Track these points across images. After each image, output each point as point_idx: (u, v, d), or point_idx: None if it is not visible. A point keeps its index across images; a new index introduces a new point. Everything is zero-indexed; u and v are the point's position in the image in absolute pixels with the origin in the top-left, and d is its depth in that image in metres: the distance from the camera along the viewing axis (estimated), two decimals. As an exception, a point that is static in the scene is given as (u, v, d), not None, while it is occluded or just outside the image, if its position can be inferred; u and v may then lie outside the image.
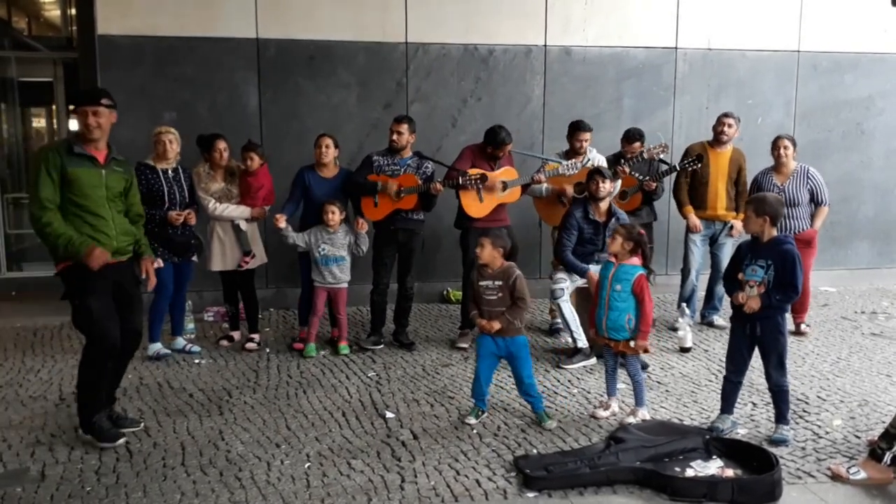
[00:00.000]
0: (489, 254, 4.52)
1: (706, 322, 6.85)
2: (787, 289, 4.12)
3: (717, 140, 6.62)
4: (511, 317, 4.47)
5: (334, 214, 5.80)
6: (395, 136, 5.98)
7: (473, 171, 5.91)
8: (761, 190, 6.33)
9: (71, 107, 4.20)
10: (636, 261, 4.61)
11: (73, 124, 8.47)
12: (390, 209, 5.94)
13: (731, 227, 6.65)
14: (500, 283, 4.49)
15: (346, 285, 6.00)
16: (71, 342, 6.26)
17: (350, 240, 5.91)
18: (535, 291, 7.39)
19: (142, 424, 4.49)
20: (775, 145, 6.41)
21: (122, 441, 4.21)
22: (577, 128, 6.41)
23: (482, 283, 4.55)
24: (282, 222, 5.78)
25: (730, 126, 6.56)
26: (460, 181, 5.86)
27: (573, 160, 6.23)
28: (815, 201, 6.43)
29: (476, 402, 4.65)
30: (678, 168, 6.53)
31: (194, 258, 5.92)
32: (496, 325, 4.47)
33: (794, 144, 6.42)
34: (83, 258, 3.99)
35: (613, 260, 4.68)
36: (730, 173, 6.59)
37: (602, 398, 4.91)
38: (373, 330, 6.23)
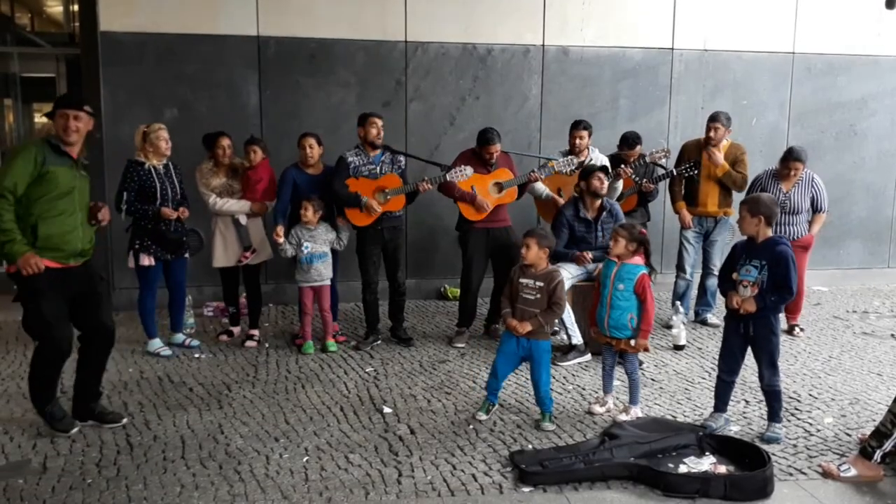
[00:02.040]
0: (535, 254, 4.47)
1: (700, 320, 6.91)
2: (781, 290, 4.16)
3: (708, 142, 6.67)
4: (545, 320, 4.44)
5: (307, 211, 5.81)
6: (374, 130, 5.93)
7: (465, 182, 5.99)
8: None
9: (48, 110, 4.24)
10: (638, 260, 4.64)
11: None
12: (378, 213, 5.93)
13: (716, 221, 6.73)
14: (542, 284, 4.45)
15: (328, 282, 6.01)
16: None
17: (332, 235, 5.95)
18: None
19: (125, 420, 4.49)
20: (788, 166, 6.30)
21: (74, 431, 4.28)
22: (573, 126, 6.52)
23: (523, 280, 4.50)
24: (281, 237, 5.82)
25: (717, 130, 6.55)
26: (447, 178, 5.86)
27: (569, 157, 6.28)
28: (815, 208, 6.46)
29: (488, 395, 4.66)
30: (675, 174, 6.58)
31: (186, 255, 5.91)
32: (528, 327, 4.43)
33: (805, 161, 6.31)
34: (14, 259, 3.99)
35: (616, 259, 4.70)
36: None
37: (598, 394, 4.96)
38: (369, 329, 6.26)
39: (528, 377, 5.35)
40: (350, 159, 5.98)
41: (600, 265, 5.15)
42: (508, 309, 4.56)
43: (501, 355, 4.60)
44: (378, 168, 6.00)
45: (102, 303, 4.42)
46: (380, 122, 6.01)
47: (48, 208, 4.07)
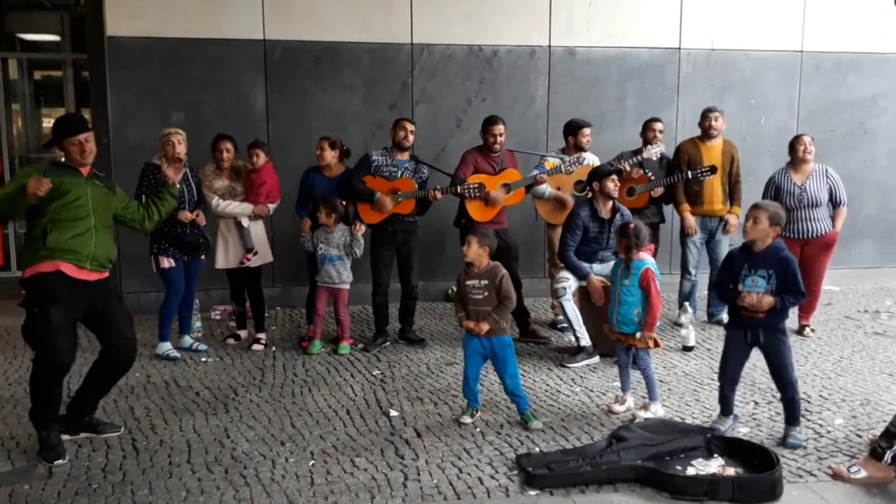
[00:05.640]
0: (475, 252, 4.52)
1: (715, 321, 6.81)
2: (794, 294, 4.13)
3: (707, 135, 6.65)
4: (498, 316, 4.48)
5: (320, 214, 5.87)
6: (408, 134, 6.04)
7: (473, 179, 6.00)
8: (780, 190, 6.33)
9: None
10: (643, 255, 4.66)
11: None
12: (388, 212, 5.99)
13: (727, 223, 6.67)
14: (487, 282, 4.49)
15: (346, 286, 6.03)
16: (79, 339, 6.30)
17: (346, 240, 5.95)
18: (538, 291, 7.47)
19: (121, 429, 4.45)
20: (798, 143, 6.35)
21: (59, 462, 4.02)
22: (581, 125, 6.52)
23: (469, 282, 4.54)
24: (306, 228, 5.94)
25: (716, 119, 6.63)
26: (458, 189, 5.91)
27: (574, 156, 6.28)
28: (834, 202, 6.40)
29: (469, 401, 4.66)
30: (689, 177, 6.50)
31: (203, 257, 5.99)
32: (485, 327, 4.46)
33: (811, 139, 6.40)
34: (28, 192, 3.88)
35: (622, 256, 4.72)
36: (723, 165, 6.62)
37: (617, 393, 4.93)
38: (378, 331, 6.26)
39: (536, 380, 5.36)
40: (374, 157, 6.08)
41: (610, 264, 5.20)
42: (462, 313, 4.59)
43: (468, 359, 4.62)
44: (399, 172, 6.05)
45: (121, 322, 4.33)
46: (409, 127, 6.08)
47: (58, 213, 4.05)
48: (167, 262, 5.73)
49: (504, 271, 4.55)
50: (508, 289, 4.50)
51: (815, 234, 6.29)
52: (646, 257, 4.69)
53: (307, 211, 6.12)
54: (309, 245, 5.96)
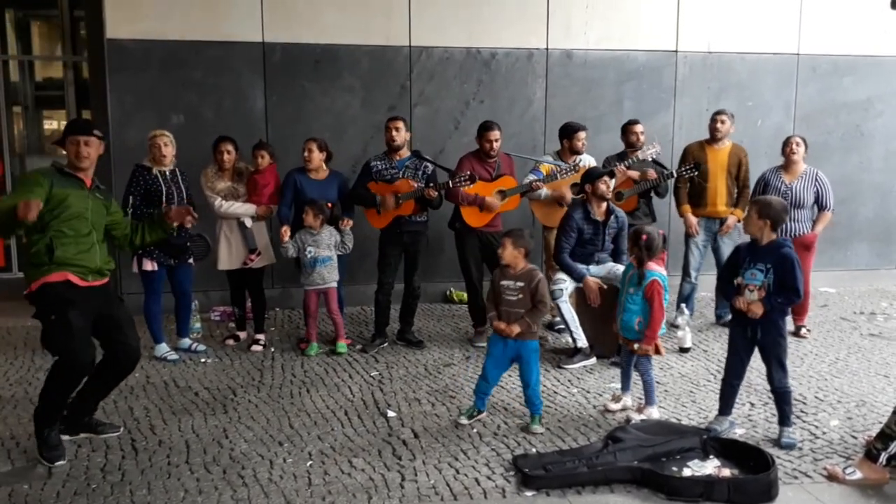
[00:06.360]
0: (511, 254, 4.48)
1: (722, 323, 6.78)
2: (788, 292, 4.14)
3: (713, 137, 6.67)
4: (531, 320, 4.44)
5: (307, 215, 5.85)
6: (394, 133, 6.04)
7: (469, 189, 6.01)
8: (768, 187, 6.38)
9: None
10: (653, 265, 4.66)
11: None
12: (392, 217, 6.03)
13: (724, 222, 6.69)
14: (522, 284, 4.45)
15: (335, 285, 6.04)
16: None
17: (335, 239, 5.96)
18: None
19: (121, 430, 4.48)
20: (787, 143, 6.43)
21: (60, 463, 4.03)
22: (576, 129, 6.53)
23: (503, 282, 4.51)
24: (286, 237, 5.86)
25: (723, 122, 6.63)
26: (451, 184, 5.91)
27: (569, 164, 6.31)
28: (820, 205, 6.44)
29: (476, 400, 4.65)
30: (675, 175, 6.54)
31: (190, 261, 5.95)
32: (516, 329, 4.42)
33: (806, 144, 6.44)
34: (16, 213, 3.78)
35: (634, 262, 4.73)
36: (729, 168, 6.63)
37: (615, 392, 4.98)
38: (377, 331, 6.29)
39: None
40: (373, 164, 6.11)
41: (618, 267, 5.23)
42: (494, 312, 4.57)
43: (491, 358, 4.60)
44: (400, 173, 6.06)
45: (125, 325, 4.33)
46: (394, 125, 6.07)
47: (62, 229, 4.06)
48: (150, 265, 5.72)
49: (541, 276, 4.51)
50: (544, 293, 4.47)
51: (793, 235, 6.32)
52: (656, 268, 4.67)
53: (290, 211, 6.08)
54: (292, 252, 5.91)
